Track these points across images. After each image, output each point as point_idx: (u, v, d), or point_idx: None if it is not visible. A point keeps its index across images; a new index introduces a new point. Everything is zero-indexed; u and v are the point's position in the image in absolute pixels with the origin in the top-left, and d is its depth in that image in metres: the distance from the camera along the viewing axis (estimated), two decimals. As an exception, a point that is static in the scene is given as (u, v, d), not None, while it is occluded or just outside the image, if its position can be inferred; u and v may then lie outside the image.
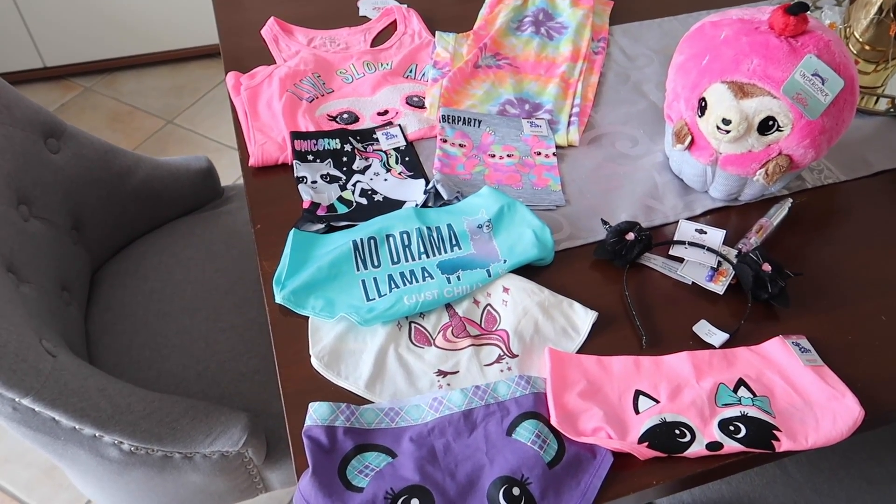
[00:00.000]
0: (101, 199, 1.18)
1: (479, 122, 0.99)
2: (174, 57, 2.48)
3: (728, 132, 0.80)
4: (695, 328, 0.77)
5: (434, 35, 1.15)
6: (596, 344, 0.76)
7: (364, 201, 0.90)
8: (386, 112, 1.02)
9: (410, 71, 1.09)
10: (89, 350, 1.11)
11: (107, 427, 0.84)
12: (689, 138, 0.86)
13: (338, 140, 0.95)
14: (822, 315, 0.80)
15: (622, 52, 1.16)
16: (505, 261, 0.81)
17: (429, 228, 0.83)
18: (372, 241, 0.82)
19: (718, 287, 0.81)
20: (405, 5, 1.23)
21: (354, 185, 0.91)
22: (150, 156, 1.27)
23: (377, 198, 0.90)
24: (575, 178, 0.94)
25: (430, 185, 0.88)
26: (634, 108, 1.05)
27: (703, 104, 0.83)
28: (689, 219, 0.89)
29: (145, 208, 1.26)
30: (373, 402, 0.70)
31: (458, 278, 0.79)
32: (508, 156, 0.96)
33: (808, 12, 0.79)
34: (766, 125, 0.80)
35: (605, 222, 0.85)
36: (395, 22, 1.19)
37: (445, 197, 0.87)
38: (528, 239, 0.82)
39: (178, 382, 1.06)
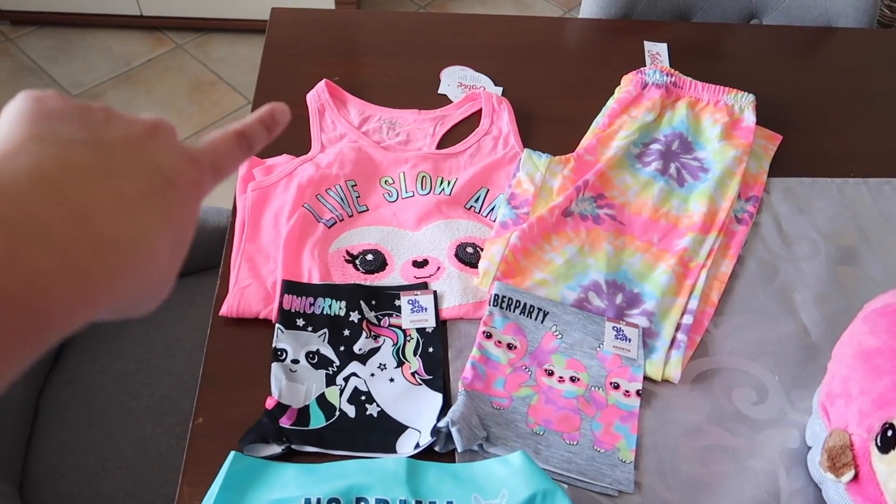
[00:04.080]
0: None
1: (545, 315, 0.70)
2: (272, 29, 2.27)
3: (924, 510, 0.49)
4: None
5: (523, 147, 0.85)
6: None
7: (352, 411, 0.64)
8: (425, 263, 0.74)
9: (476, 199, 0.81)
10: (32, 433, 0.92)
11: None
12: (851, 472, 0.54)
13: (344, 304, 0.69)
14: None
15: (776, 226, 0.83)
16: None
17: (419, 503, 0.57)
18: (333, 504, 0.57)
19: None
20: (501, 91, 0.94)
21: (347, 378, 0.66)
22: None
23: (371, 410, 0.64)
24: (657, 442, 0.64)
25: (444, 424, 0.61)
26: (774, 330, 0.73)
27: (891, 436, 0.51)
28: (816, 570, 0.58)
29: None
30: None
31: None
32: (572, 378, 0.67)
33: None
34: None
35: (683, 556, 0.56)
36: (478, 111, 0.91)
37: (460, 448, 0.60)
38: (560, 561, 0.55)
39: (111, 515, 0.86)
